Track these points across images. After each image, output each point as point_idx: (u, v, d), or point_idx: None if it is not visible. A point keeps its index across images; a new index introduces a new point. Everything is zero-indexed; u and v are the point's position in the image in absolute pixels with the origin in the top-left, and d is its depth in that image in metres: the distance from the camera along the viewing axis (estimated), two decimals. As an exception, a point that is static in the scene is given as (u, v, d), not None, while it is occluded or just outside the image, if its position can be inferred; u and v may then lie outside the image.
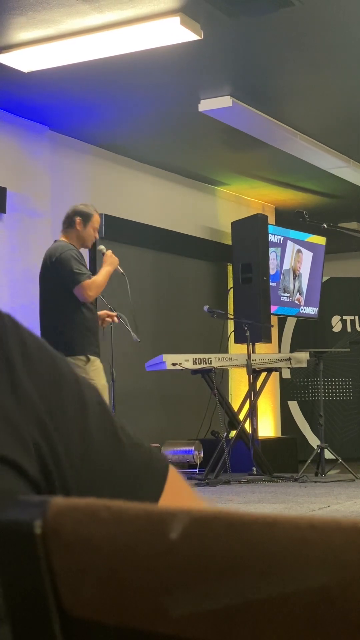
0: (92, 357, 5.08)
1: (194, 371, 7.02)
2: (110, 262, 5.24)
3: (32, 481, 0.75)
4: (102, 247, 5.51)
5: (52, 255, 5.08)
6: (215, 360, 7.14)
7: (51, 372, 0.83)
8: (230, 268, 8.73)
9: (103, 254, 5.34)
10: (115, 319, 5.47)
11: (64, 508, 0.52)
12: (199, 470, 7.36)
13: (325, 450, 7.05)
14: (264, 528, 0.46)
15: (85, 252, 5.91)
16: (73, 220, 5.17)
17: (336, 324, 9.87)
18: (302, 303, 9.14)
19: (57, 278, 5.03)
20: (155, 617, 0.49)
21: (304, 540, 0.45)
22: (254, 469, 6.96)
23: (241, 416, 7.34)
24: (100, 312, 5.36)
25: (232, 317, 8.03)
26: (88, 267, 5.35)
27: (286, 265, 8.87)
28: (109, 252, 5.31)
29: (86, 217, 5.17)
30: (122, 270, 5.39)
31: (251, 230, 8.28)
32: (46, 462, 0.77)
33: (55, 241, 5.23)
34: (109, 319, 5.42)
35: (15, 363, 0.81)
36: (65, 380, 0.84)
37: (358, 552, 0.43)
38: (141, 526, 0.50)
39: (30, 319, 6.37)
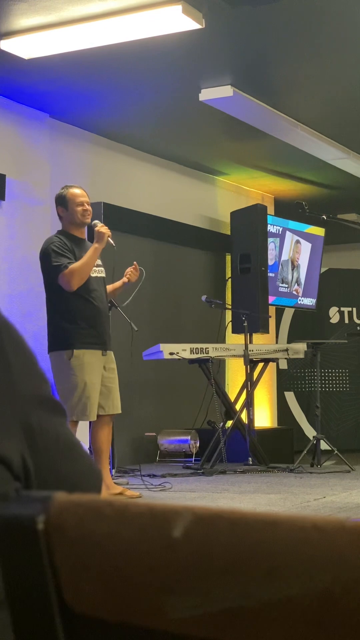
0: (79, 351, 5.03)
1: (191, 361, 7.02)
2: (98, 237, 5.08)
3: (16, 477, 0.77)
4: (95, 221, 5.27)
5: (40, 252, 5.16)
6: (213, 350, 7.14)
7: (35, 370, 0.85)
8: (228, 258, 8.72)
9: (94, 227, 5.18)
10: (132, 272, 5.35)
11: (67, 504, 0.52)
12: (195, 460, 7.37)
13: (321, 441, 7.06)
14: (267, 527, 0.46)
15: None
16: (58, 213, 5.22)
17: (334, 315, 9.87)
18: (300, 294, 9.13)
19: (44, 274, 5.10)
20: (156, 614, 0.49)
21: (307, 541, 0.45)
22: (250, 459, 6.97)
23: (238, 406, 7.35)
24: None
25: (230, 307, 8.02)
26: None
27: (285, 256, 8.86)
28: (98, 227, 5.13)
29: (63, 200, 5.17)
30: (113, 242, 5.20)
31: (250, 221, 8.27)
32: (25, 458, 0.79)
33: None
34: (130, 272, 5.33)
35: (10, 360, 0.81)
36: (41, 379, 0.86)
37: (361, 553, 0.43)
38: (144, 524, 0.50)
39: (29, 306, 6.37)
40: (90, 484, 0.87)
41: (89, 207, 5.20)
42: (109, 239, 5.13)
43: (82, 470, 0.87)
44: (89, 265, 5.03)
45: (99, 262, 5.20)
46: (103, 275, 5.26)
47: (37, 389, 0.84)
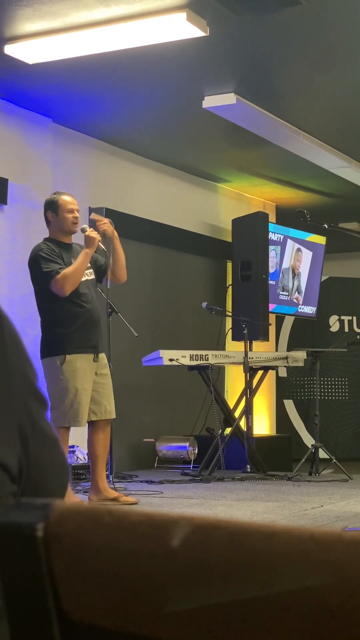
0: (71, 356, 5.05)
1: (191, 367, 7.02)
2: (88, 242, 5.09)
3: (12, 479, 0.78)
4: (84, 226, 5.26)
5: (29, 259, 5.18)
6: (212, 357, 7.14)
7: (28, 362, 0.86)
8: (229, 265, 8.72)
9: (84, 232, 5.19)
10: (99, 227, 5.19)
11: (67, 512, 0.53)
12: (193, 467, 7.37)
13: (320, 449, 7.06)
14: (265, 538, 0.46)
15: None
16: (47, 217, 5.23)
17: (334, 323, 9.87)
18: (301, 302, 9.14)
19: (34, 281, 5.13)
20: (155, 622, 0.49)
21: (305, 552, 0.45)
22: (248, 466, 6.96)
23: (237, 414, 7.35)
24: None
25: (230, 314, 8.03)
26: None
27: (286, 264, 8.87)
28: (88, 232, 5.13)
29: (54, 206, 5.19)
30: (104, 247, 5.20)
31: (252, 228, 8.27)
32: (21, 460, 0.80)
33: None
34: (101, 228, 5.18)
35: (11, 362, 0.82)
36: (32, 370, 0.88)
37: (358, 566, 0.43)
38: (143, 532, 0.50)
39: (29, 310, 6.37)
40: (61, 477, 0.90)
41: (78, 215, 5.23)
42: (100, 243, 5.14)
43: (57, 462, 0.90)
44: (81, 270, 5.07)
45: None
46: (92, 277, 5.28)
47: (30, 381, 0.86)
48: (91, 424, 5.21)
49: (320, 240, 9.21)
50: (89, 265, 5.24)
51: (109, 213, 7.27)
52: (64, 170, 6.96)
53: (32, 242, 6.53)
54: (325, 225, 6.25)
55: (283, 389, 9.66)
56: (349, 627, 0.44)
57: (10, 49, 5.43)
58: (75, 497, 5.19)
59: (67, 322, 5.07)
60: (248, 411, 7.25)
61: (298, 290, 9.09)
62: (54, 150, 6.86)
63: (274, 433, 9.24)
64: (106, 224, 5.27)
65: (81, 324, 5.09)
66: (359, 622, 0.43)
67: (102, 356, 5.25)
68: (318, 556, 0.46)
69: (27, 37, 5.31)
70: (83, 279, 5.14)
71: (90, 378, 5.13)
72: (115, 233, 5.30)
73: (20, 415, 0.82)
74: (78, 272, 5.03)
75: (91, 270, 5.26)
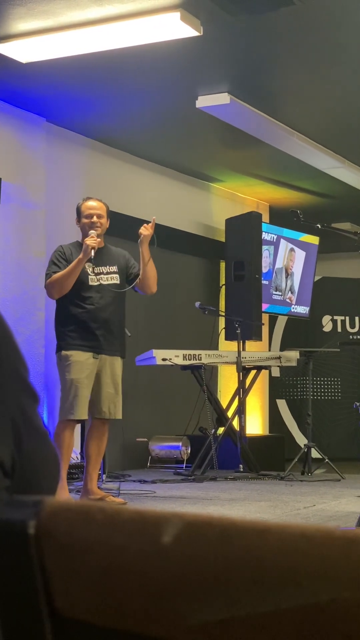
0: (65, 353, 5.15)
1: (184, 367, 7.02)
2: (82, 248, 5.13)
3: (5, 474, 0.78)
4: (91, 231, 5.24)
5: None
6: (205, 356, 7.15)
7: (20, 358, 0.87)
8: (223, 265, 8.73)
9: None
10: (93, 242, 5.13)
11: (58, 509, 0.53)
12: (186, 466, 7.37)
13: (312, 449, 7.07)
14: (257, 535, 0.47)
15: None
16: (76, 222, 5.37)
17: (327, 323, 9.88)
18: (294, 302, 9.15)
19: None
20: (146, 620, 0.49)
21: (296, 549, 0.45)
22: (241, 466, 6.97)
23: (229, 413, 7.35)
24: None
25: (223, 314, 8.03)
26: None
27: (279, 264, 8.88)
28: (87, 238, 5.13)
29: (77, 212, 5.34)
30: (92, 254, 5.12)
31: (245, 228, 8.28)
32: (14, 455, 0.80)
33: None
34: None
35: (3, 358, 0.82)
36: (24, 365, 0.88)
37: (349, 563, 0.43)
38: (135, 529, 0.50)
39: (22, 310, 6.37)
40: (52, 471, 0.91)
41: (99, 220, 5.26)
42: (92, 251, 5.12)
43: (48, 457, 0.90)
44: (69, 276, 5.11)
45: (112, 269, 5.25)
46: (114, 282, 5.26)
47: (22, 377, 0.86)
48: (91, 421, 5.29)
49: (314, 240, 9.22)
50: (115, 270, 5.26)
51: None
52: (58, 169, 6.96)
53: (26, 242, 6.54)
54: (319, 225, 6.24)
55: (276, 389, 9.66)
56: (339, 625, 0.44)
57: (3, 48, 5.42)
58: (66, 491, 5.20)
59: (66, 321, 5.20)
60: (241, 411, 7.26)
61: (291, 290, 9.10)
62: (47, 149, 6.85)
63: (266, 433, 9.24)
64: (147, 229, 5.25)
65: (80, 324, 5.17)
66: (350, 619, 0.43)
67: (108, 358, 5.23)
68: (309, 554, 0.46)
69: (21, 36, 5.30)
70: (95, 283, 5.20)
71: (89, 372, 5.16)
72: (147, 248, 5.25)
73: (13, 410, 0.83)
74: (65, 278, 5.11)
75: (115, 275, 5.27)
